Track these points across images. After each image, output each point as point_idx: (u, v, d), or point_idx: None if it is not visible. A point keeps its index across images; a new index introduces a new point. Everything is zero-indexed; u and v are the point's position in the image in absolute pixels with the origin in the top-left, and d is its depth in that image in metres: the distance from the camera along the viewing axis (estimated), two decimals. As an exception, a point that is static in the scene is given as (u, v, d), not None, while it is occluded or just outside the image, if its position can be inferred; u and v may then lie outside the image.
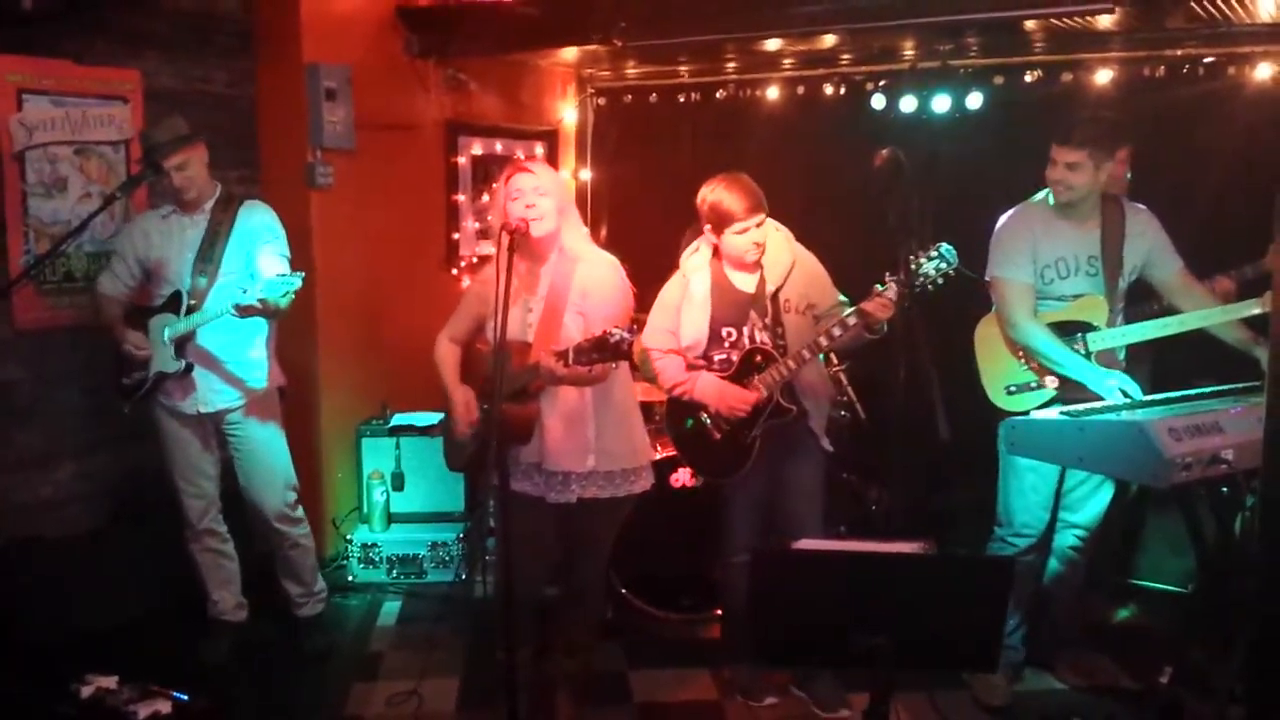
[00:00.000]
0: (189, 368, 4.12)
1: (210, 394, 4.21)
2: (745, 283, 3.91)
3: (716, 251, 3.93)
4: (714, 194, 3.79)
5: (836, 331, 3.67)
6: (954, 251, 3.56)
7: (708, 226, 3.85)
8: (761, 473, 3.94)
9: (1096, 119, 3.89)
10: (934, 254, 3.53)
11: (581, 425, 3.50)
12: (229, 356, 4.21)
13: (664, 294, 4.04)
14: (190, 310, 4.07)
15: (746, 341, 3.88)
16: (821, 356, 3.96)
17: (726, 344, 3.90)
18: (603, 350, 3.05)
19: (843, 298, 3.99)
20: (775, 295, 3.86)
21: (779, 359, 3.80)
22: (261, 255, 4.14)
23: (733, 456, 3.90)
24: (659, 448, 4.76)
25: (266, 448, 4.34)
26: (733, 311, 3.90)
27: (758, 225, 3.77)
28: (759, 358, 3.84)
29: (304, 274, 3.83)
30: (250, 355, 4.27)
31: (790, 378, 3.81)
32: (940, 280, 3.56)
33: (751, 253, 3.80)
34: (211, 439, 4.34)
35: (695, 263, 3.96)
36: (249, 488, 4.37)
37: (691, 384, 3.88)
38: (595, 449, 3.51)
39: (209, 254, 4.13)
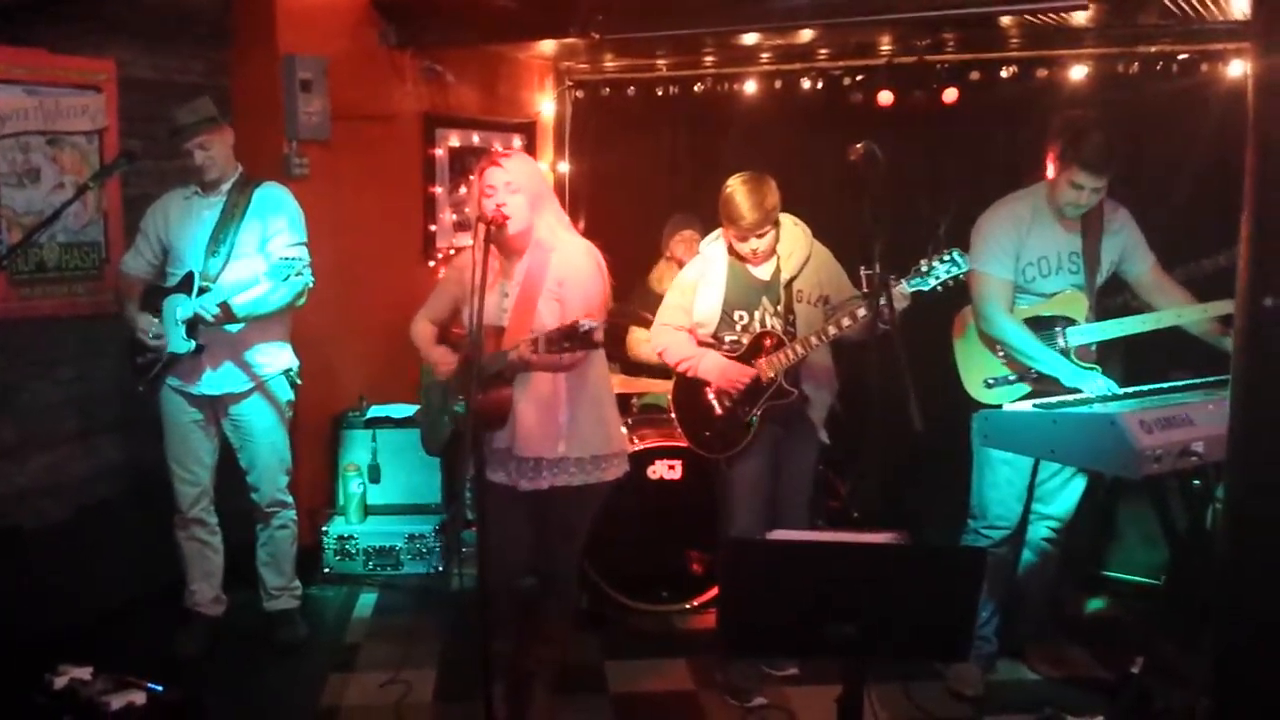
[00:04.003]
0: (200, 349, 4.15)
1: (220, 377, 4.23)
2: (760, 269, 4.06)
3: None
4: (734, 194, 3.93)
5: (846, 322, 3.81)
6: (965, 258, 3.65)
7: (727, 225, 4.01)
8: (763, 456, 4.08)
9: (1109, 143, 3.80)
10: (946, 258, 3.63)
11: (553, 411, 3.50)
12: (240, 340, 4.23)
13: (683, 274, 4.23)
14: (202, 292, 4.09)
15: (757, 326, 4.04)
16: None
17: (738, 326, 4.06)
18: (572, 339, 3.08)
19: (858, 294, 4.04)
20: (789, 284, 4.02)
21: (788, 343, 3.94)
22: (273, 242, 4.18)
23: (732, 433, 4.06)
24: (636, 440, 4.79)
25: (271, 434, 4.38)
26: (746, 295, 4.05)
27: (758, 236, 3.93)
28: (768, 341, 4.00)
29: (300, 259, 3.94)
30: (262, 340, 4.28)
31: (797, 362, 3.96)
32: (951, 283, 3.67)
33: (768, 253, 3.99)
34: (213, 425, 4.36)
35: (715, 247, 4.14)
36: (250, 471, 4.41)
37: (697, 361, 4.05)
38: (566, 435, 3.51)
39: (222, 235, 4.17)
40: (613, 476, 3.64)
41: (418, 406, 4.12)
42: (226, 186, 4.23)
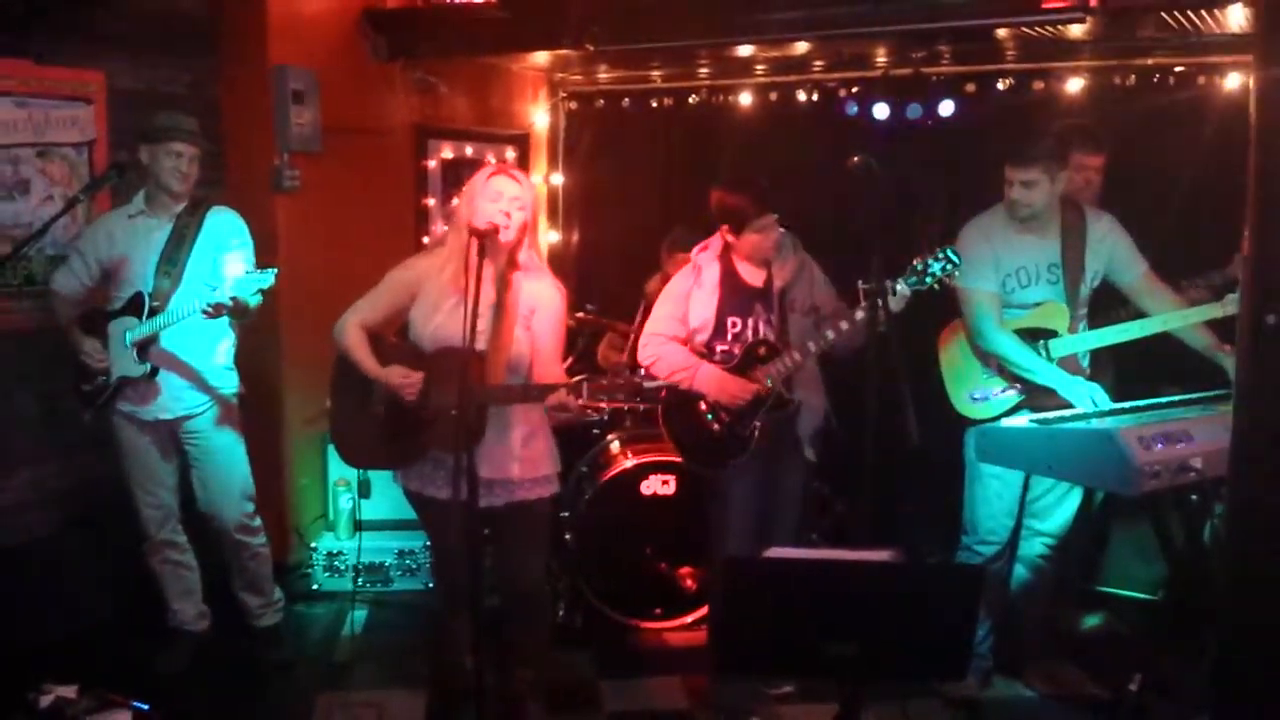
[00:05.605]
0: (154, 371, 4.05)
1: (173, 400, 4.14)
2: (754, 277, 4.06)
3: (727, 248, 4.06)
4: (731, 195, 3.95)
5: (844, 325, 3.79)
6: (959, 254, 3.66)
7: (725, 225, 4.01)
8: (754, 475, 4.03)
9: (1045, 133, 3.90)
10: (940, 256, 3.65)
11: (510, 433, 3.54)
12: (194, 362, 4.15)
13: (672, 285, 4.18)
14: (153, 312, 4.00)
15: (750, 334, 4.01)
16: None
17: (730, 334, 4.02)
18: (633, 394, 3.20)
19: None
20: (782, 293, 4.02)
21: (783, 351, 3.93)
22: (229, 262, 4.09)
23: (731, 446, 4.02)
24: (630, 454, 4.75)
25: (226, 456, 4.27)
26: (740, 302, 4.04)
27: (774, 221, 3.93)
28: (763, 350, 3.98)
29: (275, 270, 3.80)
30: (215, 361, 4.21)
31: (793, 371, 3.94)
32: (947, 280, 3.69)
33: (769, 246, 3.97)
34: (170, 447, 4.26)
35: (708, 255, 4.13)
36: (207, 497, 4.29)
37: (692, 374, 3.98)
38: (520, 457, 3.56)
39: (174, 256, 4.06)
40: (553, 493, 3.71)
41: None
42: (177, 209, 4.11)
